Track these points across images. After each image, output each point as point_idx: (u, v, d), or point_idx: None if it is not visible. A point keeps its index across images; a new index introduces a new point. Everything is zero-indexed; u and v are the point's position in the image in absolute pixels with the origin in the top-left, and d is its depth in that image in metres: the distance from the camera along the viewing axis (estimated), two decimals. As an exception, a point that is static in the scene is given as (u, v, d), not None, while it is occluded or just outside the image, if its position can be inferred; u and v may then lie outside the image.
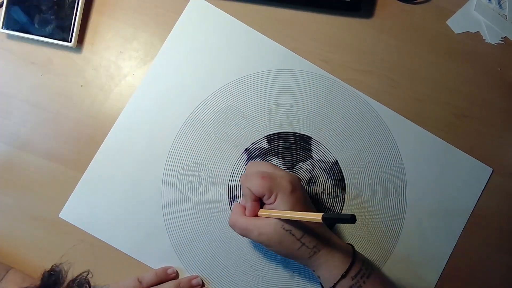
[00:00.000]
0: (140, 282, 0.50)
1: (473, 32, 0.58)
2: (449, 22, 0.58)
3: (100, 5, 0.55)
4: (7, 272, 0.50)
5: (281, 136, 0.55)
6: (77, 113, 0.54)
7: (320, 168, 0.55)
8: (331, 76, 0.56)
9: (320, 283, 0.48)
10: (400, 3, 0.57)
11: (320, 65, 0.56)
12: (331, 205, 0.55)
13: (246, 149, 0.55)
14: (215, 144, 0.55)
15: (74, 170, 0.53)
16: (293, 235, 0.44)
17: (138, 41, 0.55)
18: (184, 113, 0.55)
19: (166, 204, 0.53)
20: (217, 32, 0.55)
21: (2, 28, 0.53)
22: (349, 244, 0.49)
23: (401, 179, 0.55)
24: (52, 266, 0.41)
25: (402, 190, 0.55)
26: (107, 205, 0.53)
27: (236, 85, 0.55)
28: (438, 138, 0.56)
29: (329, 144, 0.55)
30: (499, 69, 0.57)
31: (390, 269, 0.54)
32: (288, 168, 0.55)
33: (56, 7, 0.53)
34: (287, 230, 0.44)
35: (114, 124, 0.54)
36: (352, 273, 0.45)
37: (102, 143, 0.54)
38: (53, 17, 0.53)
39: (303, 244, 0.44)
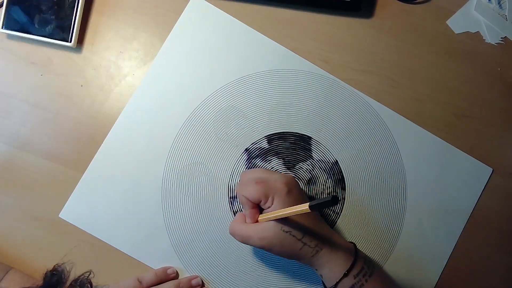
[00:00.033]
0: (140, 282, 0.50)
1: (473, 32, 0.58)
2: (449, 22, 0.58)
3: (100, 5, 0.55)
4: (7, 272, 0.50)
5: (281, 136, 0.55)
6: (77, 113, 0.54)
7: (320, 168, 0.55)
8: (331, 76, 0.56)
9: (322, 282, 0.48)
10: (400, 3, 0.57)
11: (320, 65, 0.56)
12: (331, 205, 0.55)
13: (246, 149, 0.55)
14: (215, 144, 0.55)
15: (74, 170, 0.53)
16: (293, 236, 0.44)
17: (138, 41, 0.55)
18: (184, 113, 0.55)
19: (166, 204, 0.53)
20: (217, 32, 0.55)
21: (2, 28, 0.53)
22: (351, 242, 0.49)
23: (401, 179, 0.55)
24: (54, 266, 0.41)
25: (402, 190, 0.55)
26: (107, 205, 0.53)
27: (236, 85, 0.55)
28: (438, 138, 0.56)
29: (329, 144, 0.55)
30: (499, 69, 0.57)
31: (390, 269, 0.54)
32: (288, 168, 0.55)
33: (56, 7, 0.53)
34: (287, 232, 0.44)
35: (114, 124, 0.54)
36: (354, 271, 0.45)
37: (102, 143, 0.54)
38: (53, 17, 0.53)
39: (305, 244, 0.44)
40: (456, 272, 0.55)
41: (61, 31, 0.53)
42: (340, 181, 0.55)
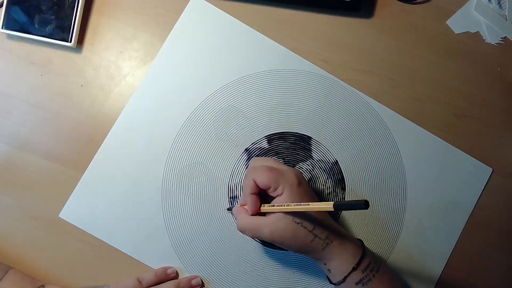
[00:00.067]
0: (140, 282, 0.50)
1: (473, 32, 0.58)
2: (449, 22, 0.58)
3: (100, 5, 0.55)
4: (7, 272, 0.50)
5: (281, 136, 0.55)
6: (77, 113, 0.54)
7: (320, 168, 0.55)
8: (331, 76, 0.56)
9: (327, 277, 0.47)
10: (400, 3, 0.57)
11: (320, 65, 0.56)
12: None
13: (246, 149, 0.55)
14: (215, 144, 0.55)
15: (74, 170, 0.53)
16: (305, 227, 0.44)
17: (138, 41, 0.55)
18: (184, 113, 0.55)
19: (166, 204, 0.53)
20: (217, 32, 0.55)
21: (2, 28, 0.53)
22: (358, 239, 0.49)
23: (401, 179, 0.55)
24: None
25: (402, 190, 0.55)
26: (107, 205, 0.53)
27: (236, 85, 0.55)
28: (438, 138, 0.56)
29: (329, 144, 0.55)
30: (499, 69, 0.57)
31: (390, 269, 0.54)
32: (288, 168, 0.55)
33: (56, 7, 0.53)
34: (298, 223, 0.44)
35: (114, 124, 0.54)
36: (363, 266, 0.45)
37: (102, 143, 0.54)
38: (53, 17, 0.53)
39: (316, 235, 0.44)
40: (456, 272, 0.55)
41: (61, 31, 0.53)
42: (340, 181, 0.55)
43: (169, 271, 0.52)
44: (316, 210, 0.41)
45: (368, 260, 0.45)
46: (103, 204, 0.53)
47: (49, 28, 0.53)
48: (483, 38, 0.58)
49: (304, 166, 0.55)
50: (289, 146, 0.55)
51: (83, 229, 0.53)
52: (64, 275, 0.52)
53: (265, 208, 0.46)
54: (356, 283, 0.44)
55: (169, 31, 0.55)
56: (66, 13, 0.53)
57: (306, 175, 0.55)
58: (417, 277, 0.54)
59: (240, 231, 0.47)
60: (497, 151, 0.56)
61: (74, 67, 0.55)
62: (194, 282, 0.52)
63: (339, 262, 0.45)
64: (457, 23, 0.57)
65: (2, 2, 0.53)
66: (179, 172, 0.54)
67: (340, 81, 0.56)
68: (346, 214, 0.55)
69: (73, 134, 0.54)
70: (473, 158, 0.56)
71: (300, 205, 0.42)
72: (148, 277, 0.51)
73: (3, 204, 0.53)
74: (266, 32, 0.56)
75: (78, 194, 0.53)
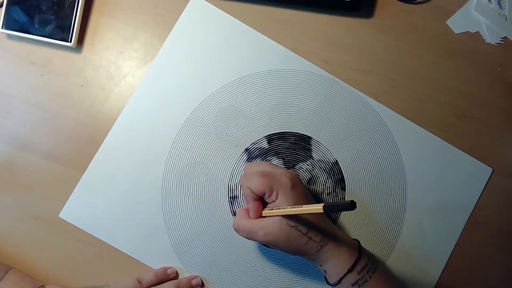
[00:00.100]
0: (140, 282, 0.50)
1: (473, 32, 0.58)
2: (449, 22, 0.58)
3: (100, 5, 0.55)
4: (7, 272, 0.50)
5: (281, 136, 0.55)
6: (77, 113, 0.54)
7: (320, 168, 0.55)
8: (331, 76, 0.56)
9: (325, 278, 0.48)
10: (400, 3, 0.57)
11: (320, 65, 0.56)
12: (331, 205, 0.55)
13: (246, 149, 0.55)
14: (215, 144, 0.55)
15: (74, 170, 0.53)
16: (299, 230, 0.44)
17: (138, 41, 0.55)
18: (184, 113, 0.55)
19: (166, 204, 0.53)
20: (217, 32, 0.55)
21: (2, 28, 0.53)
22: (355, 239, 0.49)
23: (401, 179, 0.55)
24: None
25: (402, 190, 0.55)
26: (107, 205, 0.53)
27: (236, 85, 0.55)
28: (438, 138, 0.56)
29: (329, 144, 0.55)
30: (499, 69, 0.57)
31: (390, 269, 0.54)
32: (288, 168, 0.55)
33: (56, 7, 0.53)
34: (292, 226, 0.44)
35: (114, 124, 0.54)
36: (358, 267, 0.45)
37: (102, 143, 0.54)
38: (53, 17, 0.53)
39: (310, 238, 0.44)
40: (456, 272, 0.55)
41: (61, 31, 0.53)
42: (340, 181, 0.55)
43: (169, 271, 0.52)
44: (307, 212, 0.41)
45: (364, 262, 0.45)
46: (103, 204, 0.53)
47: (49, 28, 0.53)
48: (483, 38, 0.58)
49: (304, 166, 0.55)
50: (289, 146, 0.55)
51: (83, 229, 0.53)
52: (64, 275, 0.52)
53: (265, 212, 0.46)
54: (352, 285, 0.44)
55: (169, 31, 0.55)
56: (66, 13, 0.53)
57: (306, 175, 0.55)
58: (417, 277, 0.54)
59: (235, 231, 0.47)
60: (497, 151, 0.56)
61: (74, 67, 0.55)
62: (194, 282, 0.52)
63: (335, 264, 0.45)
64: (457, 23, 0.57)
65: (2, 2, 0.53)
66: (179, 172, 0.54)
67: (340, 81, 0.56)
68: (346, 215, 0.55)
69: (73, 134, 0.54)
70: (473, 158, 0.56)
71: (294, 207, 0.43)
72: (148, 277, 0.51)
73: (3, 204, 0.53)
74: (266, 32, 0.56)
75: (78, 194, 0.53)
